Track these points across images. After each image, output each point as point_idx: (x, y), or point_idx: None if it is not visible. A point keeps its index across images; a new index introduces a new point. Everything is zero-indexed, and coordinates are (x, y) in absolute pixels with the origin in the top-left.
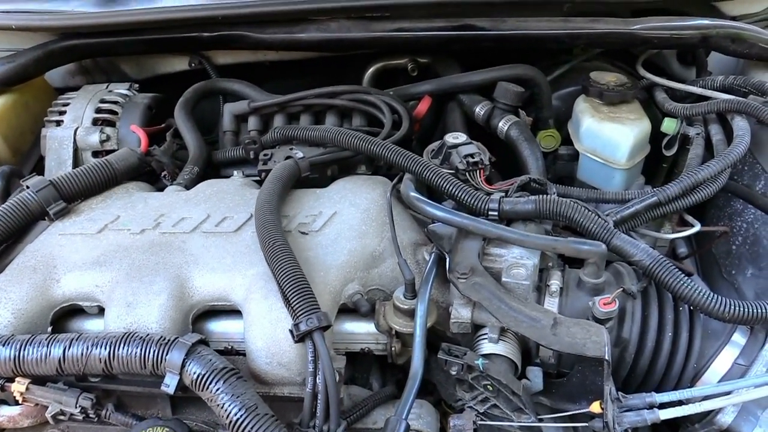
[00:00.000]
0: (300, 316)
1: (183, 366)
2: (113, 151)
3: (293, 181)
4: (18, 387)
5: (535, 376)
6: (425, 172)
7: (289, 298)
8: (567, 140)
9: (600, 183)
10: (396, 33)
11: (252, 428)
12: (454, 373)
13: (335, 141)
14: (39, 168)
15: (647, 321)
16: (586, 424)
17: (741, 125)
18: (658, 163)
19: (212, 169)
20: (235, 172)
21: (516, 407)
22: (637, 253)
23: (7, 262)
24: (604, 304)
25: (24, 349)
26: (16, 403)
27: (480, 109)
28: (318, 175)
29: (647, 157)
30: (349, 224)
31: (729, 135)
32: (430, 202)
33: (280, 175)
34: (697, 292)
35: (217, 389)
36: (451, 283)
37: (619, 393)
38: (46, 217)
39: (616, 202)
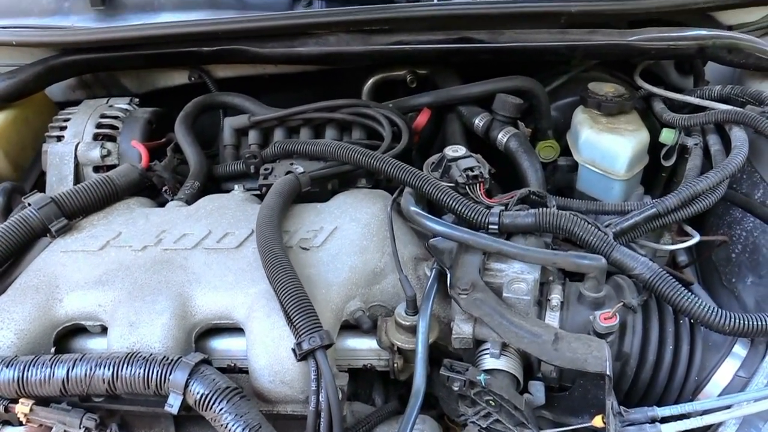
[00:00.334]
0: (302, 334)
1: (186, 386)
2: (114, 166)
3: (294, 196)
4: (22, 408)
5: (537, 390)
6: (425, 186)
7: (292, 317)
8: (566, 150)
9: (599, 193)
10: (395, 46)
11: None
12: (456, 388)
13: (335, 155)
14: (40, 183)
15: (648, 334)
16: None
17: (739, 136)
18: (656, 172)
19: (213, 182)
20: (236, 186)
21: (518, 422)
22: (637, 266)
23: (10, 280)
24: (605, 319)
25: (27, 370)
26: (20, 424)
27: (479, 121)
28: (318, 189)
29: (646, 166)
30: (350, 239)
31: (727, 145)
32: (431, 216)
33: (280, 190)
34: (697, 305)
35: (221, 409)
36: (452, 298)
37: (621, 407)
38: (47, 234)
39: (615, 213)
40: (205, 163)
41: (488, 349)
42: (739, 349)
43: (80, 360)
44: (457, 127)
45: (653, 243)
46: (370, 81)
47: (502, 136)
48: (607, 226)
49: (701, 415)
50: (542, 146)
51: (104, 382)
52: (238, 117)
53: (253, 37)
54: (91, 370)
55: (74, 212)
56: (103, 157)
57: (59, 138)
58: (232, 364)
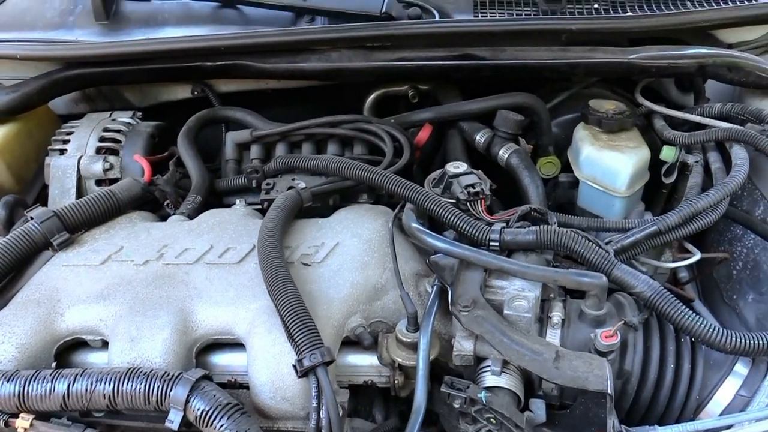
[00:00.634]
0: (303, 351)
1: (187, 402)
2: (116, 179)
3: (296, 212)
4: (22, 423)
5: (538, 408)
6: (426, 202)
7: (293, 333)
8: (567, 167)
9: (600, 210)
10: (397, 62)
11: None
12: (457, 406)
13: (337, 171)
14: (42, 196)
15: (649, 353)
16: None
17: (739, 154)
18: (657, 188)
19: (214, 197)
20: (238, 201)
21: None
22: (638, 284)
23: (11, 294)
24: (606, 337)
25: (28, 385)
26: None
27: (480, 137)
28: (320, 204)
29: (646, 183)
30: (351, 255)
31: (727, 162)
32: (432, 233)
33: (282, 205)
34: (698, 323)
35: (222, 425)
36: (453, 315)
37: (623, 426)
38: (49, 248)
39: (616, 230)
40: (207, 177)
41: (489, 366)
42: (741, 368)
43: (81, 375)
44: (458, 142)
45: (654, 260)
46: (372, 96)
47: (504, 152)
48: (607, 243)
49: None
50: (543, 162)
51: (105, 398)
52: (240, 131)
53: (256, 52)
54: (92, 385)
55: (76, 226)
56: (105, 170)
57: (62, 151)
58: (233, 380)
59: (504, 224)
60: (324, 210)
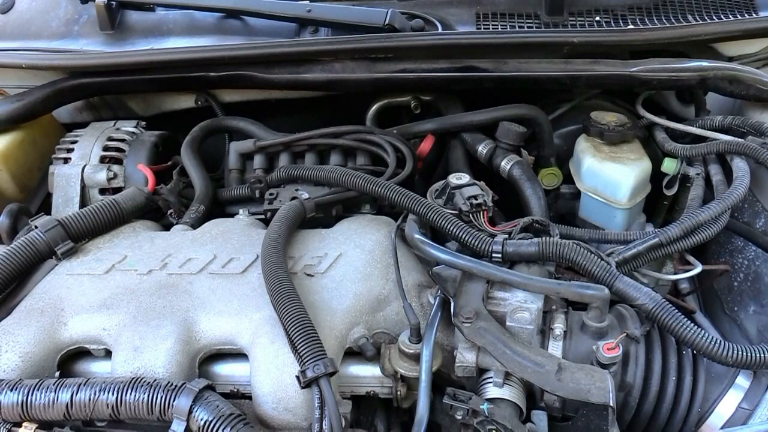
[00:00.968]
0: (307, 362)
1: (190, 412)
2: (120, 188)
3: (299, 222)
4: None
5: (540, 420)
6: (429, 213)
7: (296, 344)
8: (568, 178)
9: (601, 221)
10: (399, 74)
11: None
12: (459, 417)
13: (340, 181)
14: (46, 204)
15: (651, 365)
16: None
17: (741, 166)
18: (658, 200)
19: (217, 206)
20: (241, 211)
21: None
22: (640, 296)
23: (15, 302)
24: (608, 350)
25: (31, 394)
26: None
27: (482, 148)
28: (323, 215)
29: (647, 194)
30: (354, 266)
31: (728, 174)
32: (435, 244)
33: (285, 216)
34: (700, 336)
35: None
36: (455, 326)
37: None
38: (53, 257)
39: (618, 242)
40: (211, 187)
41: (491, 377)
42: (742, 381)
43: (84, 384)
44: (460, 153)
45: (655, 272)
46: (375, 107)
47: (506, 164)
48: (609, 255)
49: None
50: (545, 173)
51: (108, 407)
52: (244, 142)
53: (260, 63)
54: (95, 394)
55: (80, 235)
56: (109, 179)
57: (66, 160)
58: (235, 390)
59: (506, 236)
60: (327, 220)
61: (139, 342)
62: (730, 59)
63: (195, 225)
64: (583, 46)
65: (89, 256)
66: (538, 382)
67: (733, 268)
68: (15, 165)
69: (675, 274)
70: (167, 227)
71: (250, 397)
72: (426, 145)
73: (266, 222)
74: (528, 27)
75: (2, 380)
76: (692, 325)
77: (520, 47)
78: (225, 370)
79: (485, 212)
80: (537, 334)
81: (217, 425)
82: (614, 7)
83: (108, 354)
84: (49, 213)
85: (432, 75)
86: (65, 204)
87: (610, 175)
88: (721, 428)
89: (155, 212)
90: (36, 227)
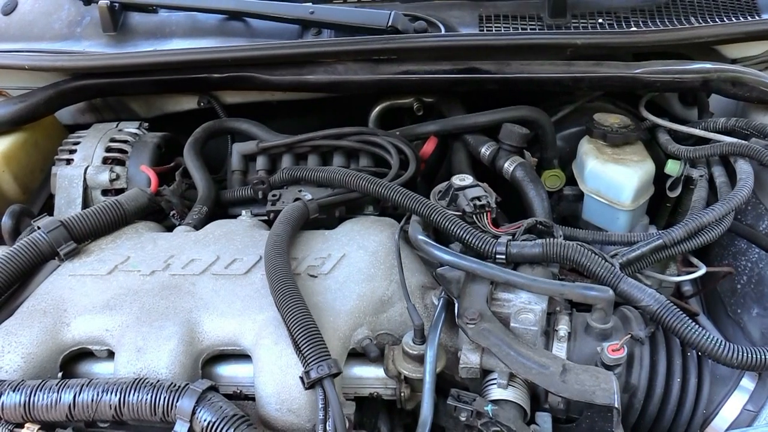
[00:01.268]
0: (310, 363)
1: (193, 413)
2: (122, 189)
3: (302, 223)
4: None
5: (544, 421)
6: (433, 215)
7: (300, 345)
8: (571, 179)
9: (604, 223)
10: (402, 76)
11: None
12: (463, 419)
13: (343, 183)
14: (48, 206)
15: (656, 366)
16: None
17: (744, 168)
18: (661, 202)
19: (220, 208)
20: (244, 212)
21: None
22: (644, 298)
23: (17, 303)
24: (613, 351)
25: (34, 395)
26: None
27: (485, 150)
28: (326, 216)
29: (650, 196)
30: (357, 267)
31: (732, 175)
32: (438, 245)
33: (289, 217)
34: (705, 338)
35: None
36: (459, 328)
37: None
38: (56, 257)
39: (621, 244)
40: (213, 188)
41: (495, 379)
42: (747, 383)
43: (87, 385)
44: (463, 155)
45: (659, 274)
46: (377, 108)
47: (509, 165)
48: (613, 257)
49: None
50: (548, 175)
51: (111, 408)
52: (247, 143)
53: (262, 64)
54: (98, 395)
55: (83, 236)
56: (111, 180)
57: (69, 161)
58: (238, 391)
59: (510, 237)
60: (330, 222)
61: (142, 343)
62: (733, 61)
63: (198, 226)
64: (586, 48)
65: (92, 257)
66: (542, 384)
67: (737, 270)
68: (17, 166)
69: (678, 276)
70: (170, 228)
71: (253, 399)
72: (429, 147)
73: (269, 223)
74: (531, 29)
75: (5, 381)
76: (697, 326)
77: (522, 49)
78: (228, 371)
79: (489, 214)
80: (541, 336)
81: (221, 426)
82: (617, 9)
83: (111, 355)
84: (51, 214)
85: (435, 77)
86: (68, 205)
87: (613, 177)
88: (726, 430)
89: (158, 213)
90: (38, 228)
